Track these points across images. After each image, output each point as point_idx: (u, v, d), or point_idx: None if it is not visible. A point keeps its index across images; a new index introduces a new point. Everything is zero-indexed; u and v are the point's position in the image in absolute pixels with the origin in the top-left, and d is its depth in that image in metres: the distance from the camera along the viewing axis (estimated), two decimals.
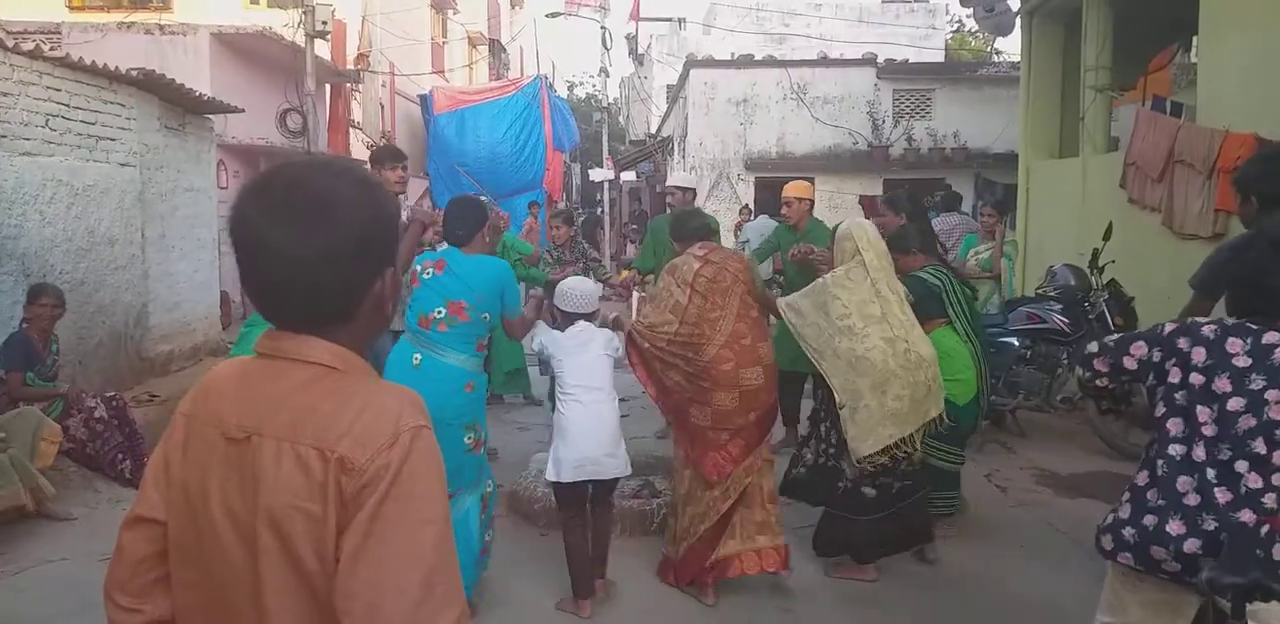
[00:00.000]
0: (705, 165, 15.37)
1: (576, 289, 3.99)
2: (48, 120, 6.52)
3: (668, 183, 7.27)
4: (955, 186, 12.26)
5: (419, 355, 3.63)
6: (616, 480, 3.92)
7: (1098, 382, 2.54)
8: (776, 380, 4.01)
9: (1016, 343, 6.43)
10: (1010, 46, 28.82)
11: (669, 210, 7.21)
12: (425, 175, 17.83)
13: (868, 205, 14.59)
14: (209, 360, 8.94)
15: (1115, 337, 2.54)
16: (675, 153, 17.54)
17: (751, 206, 14.52)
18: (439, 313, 3.64)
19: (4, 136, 6.03)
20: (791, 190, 6.18)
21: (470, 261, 3.78)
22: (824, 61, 15.66)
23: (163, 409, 7.06)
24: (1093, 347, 2.56)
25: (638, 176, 24.63)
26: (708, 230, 4.27)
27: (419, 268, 3.79)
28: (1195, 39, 8.15)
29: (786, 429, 5.97)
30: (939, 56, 20.29)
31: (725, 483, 3.86)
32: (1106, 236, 6.36)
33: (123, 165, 7.53)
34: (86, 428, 5.24)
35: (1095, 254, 6.38)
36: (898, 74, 15.18)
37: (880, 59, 15.42)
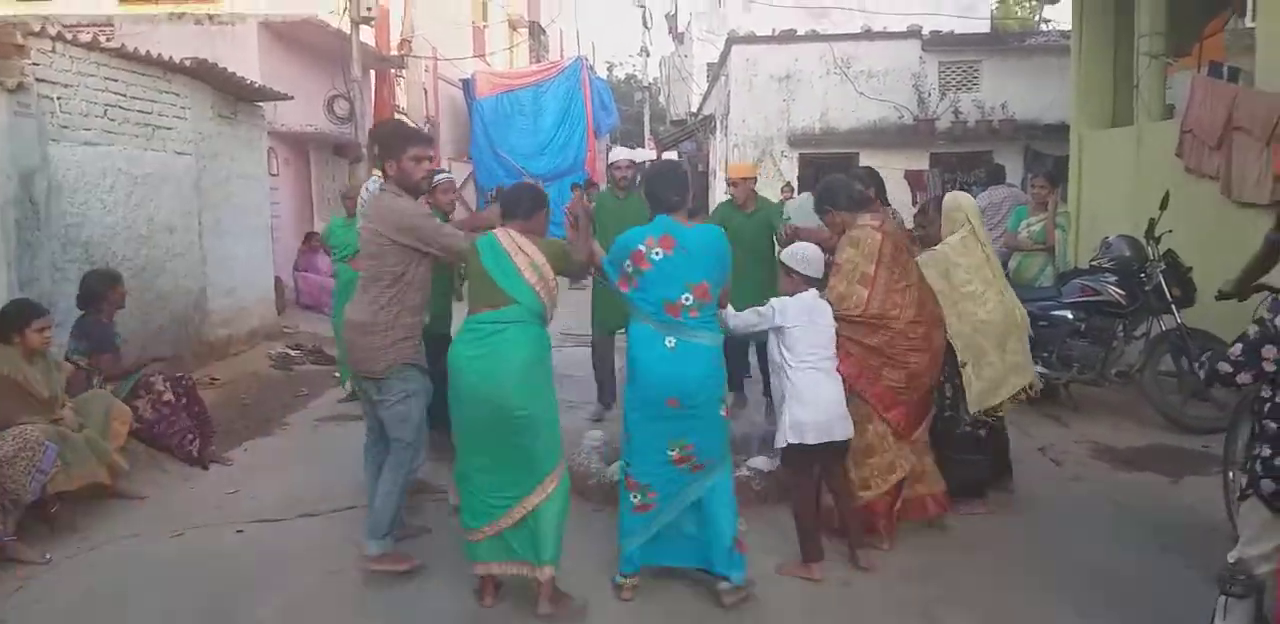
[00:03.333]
0: (748, 143, 15.28)
1: (814, 252, 4.01)
2: (106, 110, 6.68)
3: (618, 157, 6.46)
4: (1004, 159, 12.07)
5: (672, 339, 3.48)
6: (848, 443, 3.97)
7: (1241, 386, 2.83)
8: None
9: (1070, 316, 6.34)
10: (1057, 15, 28.16)
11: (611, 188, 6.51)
12: (469, 160, 17.93)
13: (914, 180, 14.44)
14: (265, 345, 9.13)
15: (1236, 348, 2.79)
16: (718, 131, 17.45)
17: (794, 184, 14.41)
18: (686, 300, 3.48)
19: (65, 127, 6.19)
20: (741, 172, 6.45)
21: (694, 233, 3.58)
22: (867, 35, 15.42)
23: (223, 392, 7.25)
24: (1224, 366, 2.79)
25: (680, 156, 24.55)
26: (868, 198, 4.38)
27: (643, 247, 3.50)
28: (1250, 3, 7.90)
29: (734, 394, 6.23)
30: (984, 27, 19.88)
31: (916, 435, 4.16)
32: (1163, 206, 6.22)
33: (179, 154, 7.70)
34: (154, 410, 5.40)
35: (1151, 224, 6.25)
36: (943, 46, 14.90)
37: (925, 30, 15.16)
